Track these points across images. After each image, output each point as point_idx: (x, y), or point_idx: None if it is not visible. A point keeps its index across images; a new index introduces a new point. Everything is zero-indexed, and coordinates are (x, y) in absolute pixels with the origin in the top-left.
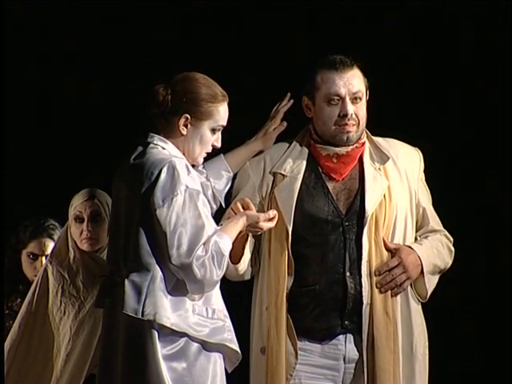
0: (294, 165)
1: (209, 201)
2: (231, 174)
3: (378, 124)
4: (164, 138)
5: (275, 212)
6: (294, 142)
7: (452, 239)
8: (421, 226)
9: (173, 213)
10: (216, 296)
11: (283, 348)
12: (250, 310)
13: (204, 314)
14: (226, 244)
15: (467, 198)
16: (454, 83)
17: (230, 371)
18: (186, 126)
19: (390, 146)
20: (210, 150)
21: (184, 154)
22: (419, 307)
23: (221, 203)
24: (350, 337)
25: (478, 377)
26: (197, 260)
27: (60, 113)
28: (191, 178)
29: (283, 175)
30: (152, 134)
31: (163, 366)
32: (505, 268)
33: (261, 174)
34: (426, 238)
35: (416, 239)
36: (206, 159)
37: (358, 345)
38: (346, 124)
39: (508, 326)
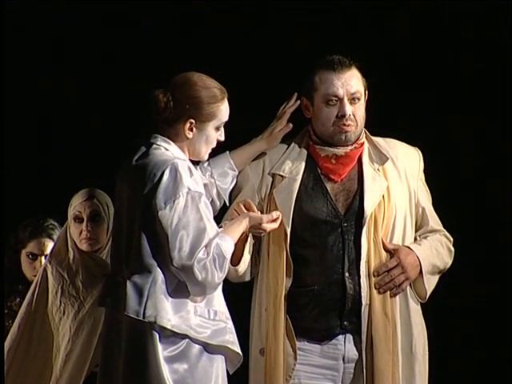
0: (293, 166)
1: (213, 199)
2: (236, 172)
3: (378, 124)
4: (167, 139)
5: (278, 213)
6: (293, 143)
7: (452, 239)
8: (420, 225)
9: (175, 215)
10: (218, 298)
11: (281, 349)
12: (250, 311)
13: (206, 316)
14: (228, 246)
15: (467, 198)
16: (454, 83)
17: (231, 373)
18: (191, 129)
19: (390, 146)
20: (214, 145)
21: (189, 155)
22: (418, 307)
23: (225, 201)
24: (349, 337)
25: (478, 377)
26: (198, 263)
27: (60, 113)
28: (194, 180)
29: (282, 176)
30: (155, 135)
31: (164, 367)
32: (505, 268)
33: (260, 175)
34: (425, 238)
35: (415, 239)
36: (210, 155)
37: (357, 345)
38: (344, 124)
39: (508, 326)
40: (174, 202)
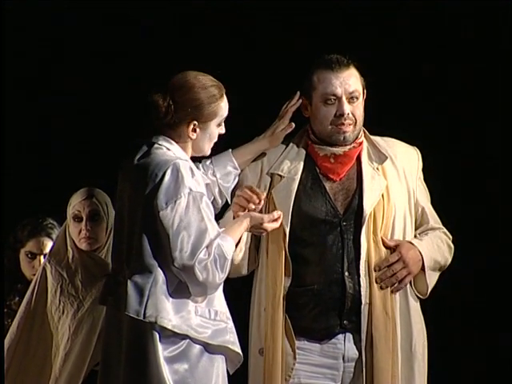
0: (292, 165)
1: (215, 198)
2: (238, 171)
3: (377, 123)
4: (169, 139)
5: (280, 212)
6: (292, 143)
7: (451, 236)
8: (420, 224)
9: (176, 215)
10: (219, 298)
11: (280, 349)
12: (249, 309)
13: (206, 316)
14: (229, 247)
15: (467, 198)
16: (454, 83)
17: (231, 373)
18: (194, 130)
19: (389, 146)
20: (216, 139)
21: (193, 152)
22: (418, 306)
23: (226, 200)
24: (349, 336)
25: (478, 377)
26: (199, 263)
27: (60, 113)
28: (195, 180)
29: (281, 176)
30: (157, 134)
31: (165, 367)
32: (505, 268)
33: (258, 175)
34: (425, 234)
35: (415, 236)
36: (212, 153)
37: (357, 344)
38: (343, 124)
39: (508, 326)
40: (175, 202)
